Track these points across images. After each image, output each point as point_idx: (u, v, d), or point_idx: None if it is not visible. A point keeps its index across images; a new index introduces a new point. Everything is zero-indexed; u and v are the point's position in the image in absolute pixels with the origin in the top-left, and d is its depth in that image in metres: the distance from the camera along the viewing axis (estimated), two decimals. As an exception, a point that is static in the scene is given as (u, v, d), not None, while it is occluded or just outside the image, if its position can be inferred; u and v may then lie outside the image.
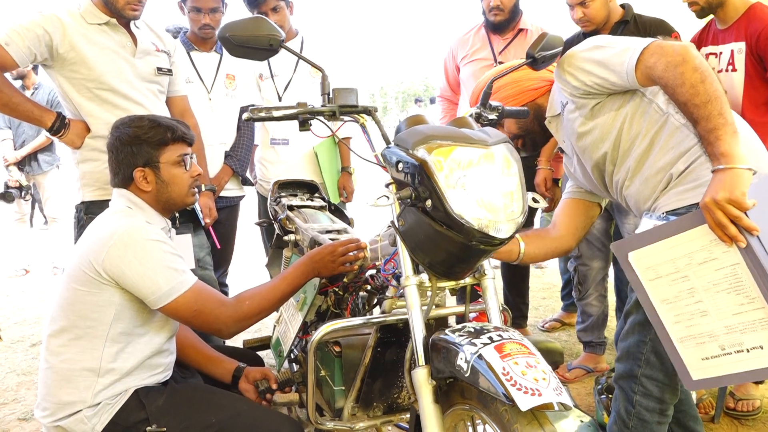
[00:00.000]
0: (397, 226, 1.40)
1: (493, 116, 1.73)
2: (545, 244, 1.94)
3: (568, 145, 1.84)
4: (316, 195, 2.72)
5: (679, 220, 1.43)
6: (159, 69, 2.22)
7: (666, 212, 1.56)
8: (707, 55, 2.60)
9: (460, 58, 3.09)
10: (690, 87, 1.39)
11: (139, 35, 2.19)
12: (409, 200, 1.31)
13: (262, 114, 1.44)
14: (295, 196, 2.69)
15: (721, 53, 2.51)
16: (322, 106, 1.49)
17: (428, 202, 1.26)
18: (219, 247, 2.54)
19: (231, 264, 3.08)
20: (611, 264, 2.96)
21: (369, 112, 1.52)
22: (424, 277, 1.38)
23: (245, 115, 1.45)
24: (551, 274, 4.84)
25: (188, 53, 2.73)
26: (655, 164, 1.59)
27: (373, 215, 5.22)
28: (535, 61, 1.67)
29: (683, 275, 1.42)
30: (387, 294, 1.58)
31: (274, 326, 2.25)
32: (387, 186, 1.45)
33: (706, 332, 1.41)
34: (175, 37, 3.34)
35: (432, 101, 17.51)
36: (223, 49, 2.80)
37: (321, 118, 1.50)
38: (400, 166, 1.31)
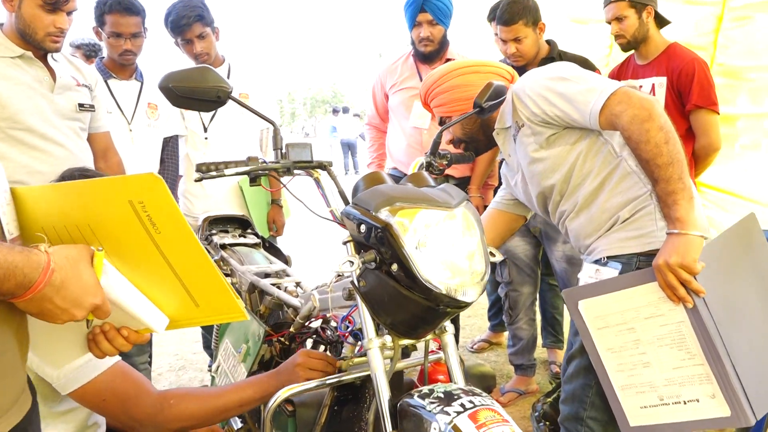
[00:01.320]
0: (357, 286, 1.37)
1: (443, 165, 1.73)
2: None
3: (515, 161, 1.84)
4: (249, 231, 2.62)
5: (631, 276, 1.49)
6: (80, 105, 2.05)
7: (607, 257, 1.62)
8: None
9: (389, 86, 3.10)
10: (654, 146, 1.43)
11: (58, 69, 2.02)
12: (373, 263, 1.28)
13: (213, 172, 1.37)
14: (227, 232, 2.58)
15: (641, 87, 2.67)
16: (276, 162, 1.43)
17: (394, 266, 1.24)
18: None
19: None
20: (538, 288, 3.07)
21: (324, 167, 1.48)
22: (388, 338, 1.36)
23: (195, 176, 1.36)
24: (473, 290, 4.93)
25: (106, 81, 2.55)
26: (603, 204, 1.63)
27: (309, 251, 5.12)
28: (482, 111, 1.68)
29: (630, 327, 1.49)
30: (344, 351, 1.54)
31: (212, 377, 2.15)
32: (345, 243, 1.42)
33: (647, 382, 1.49)
34: (89, 56, 3.13)
35: (345, 110, 17.45)
36: (144, 76, 2.66)
37: (274, 174, 1.44)
38: (363, 228, 1.28)
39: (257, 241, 2.53)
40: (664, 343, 1.45)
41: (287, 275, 2.17)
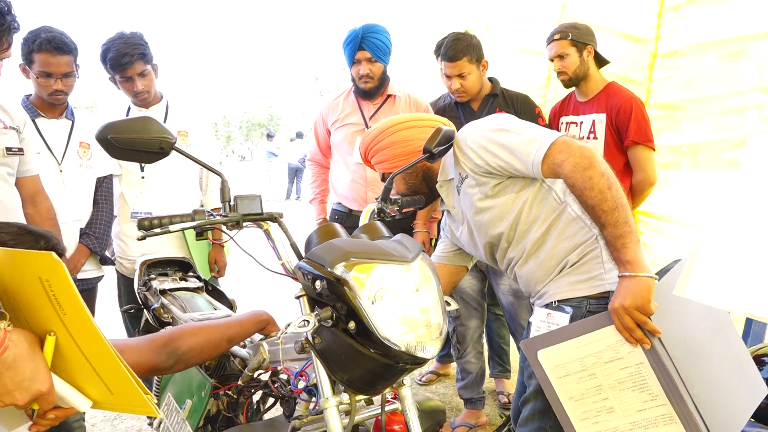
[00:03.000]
0: (312, 343, 1.32)
1: (395, 211, 1.72)
2: None
3: (459, 212, 1.85)
4: (190, 274, 2.52)
5: (588, 321, 1.50)
6: (8, 149, 1.92)
7: (558, 300, 1.64)
8: (568, 124, 2.85)
9: (331, 122, 3.08)
10: (598, 192, 1.47)
11: None
12: (329, 321, 1.24)
13: (157, 230, 1.29)
14: (166, 275, 2.47)
15: (582, 122, 2.77)
16: (224, 215, 1.38)
17: (351, 324, 1.21)
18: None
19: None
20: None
21: (274, 218, 1.44)
22: (344, 396, 1.32)
23: (138, 234, 1.28)
24: (418, 319, 4.92)
25: (33, 120, 2.40)
26: (551, 250, 1.66)
27: (253, 292, 4.95)
28: (432, 156, 1.68)
29: (591, 373, 1.48)
30: (298, 409, 1.48)
31: (154, 433, 2.03)
32: (297, 298, 1.37)
33: (612, 428, 1.48)
34: None
35: (299, 135, 17.17)
36: (75, 114, 2.54)
37: (223, 228, 1.38)
38: (318, 284, 1.24)
39: (200, 284, 2.43)
40: (626, 387, 1.46)
41: (232, 322, 2.09)
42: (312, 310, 1.33)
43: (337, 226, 1.39)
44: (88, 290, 2.60)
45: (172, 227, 1.31)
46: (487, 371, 3.30)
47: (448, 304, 1.47)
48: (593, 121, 2.71)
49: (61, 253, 1.51)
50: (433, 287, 1.29)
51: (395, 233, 3.11)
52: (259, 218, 1.41)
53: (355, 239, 1.33)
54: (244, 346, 1.86)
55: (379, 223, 1.44)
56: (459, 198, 1.80)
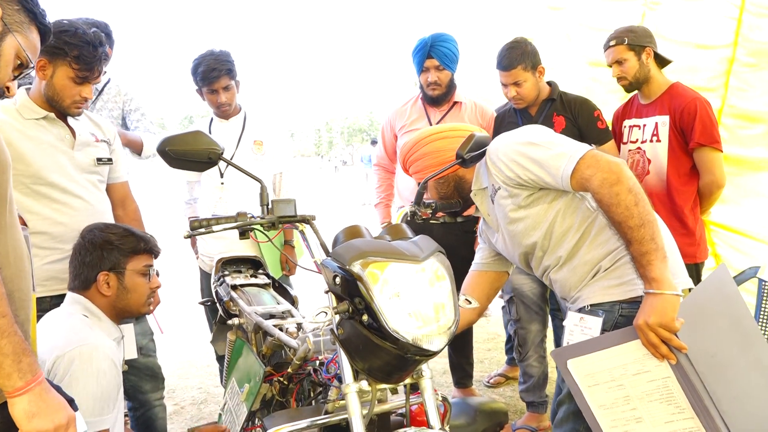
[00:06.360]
0: (336, 334, 1.45)
1: (427, 214, 1.82)
2: (463, 316, 1.95)
3: (494, 220, 1.90)
4: (260, 271, 2.74)
5: (615, 334, 1.52)
6: (99, 159, 2.22)
7: (591, 305, 1.67)
8: (631, 127, 2.80)
9: (399, 127, 3.21)
10: (625, 209, 1.49)
11: (78, 127, 2.19)
12: (346, 313, 1.37)
13: (202, 229, 1.48)
14: (240, 272, 2.70)
15: (645, 125, 2.72)
16: (262, 217, 1.54)
17: (365, 317, 1.33)
18: (162, 332, 2.52)
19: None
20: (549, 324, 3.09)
21: (307, 221, 1.58)
22: (364, 384, 1.44)
23: (184, 233, 1.48)
24: (496, 322, 4.94)
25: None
26: (584, 257, 1.69)
27: (318, 290, 5.24)
28: (464, 162, 1.76)
29: (619, 384, 1.51)
30: (329, 394, 1.62)
31: (220, 414, 2.24)
32: (326, 293, 1.51)
33: None
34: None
35: None
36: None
37: (260, 228, 1.55)
38: (338, 280, 1.37)
39: (267, 281, 2.64)
40: (654, 398, 1.47)
41: (291, 316, 2.27)
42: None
43: (362, 227, 1.51)
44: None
45: (215, 228, 1.49)
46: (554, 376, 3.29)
47: (469, 302, 1.56)
48: (656, 123, 2.65)
49: (157, 254, 1.76)
50: (445, 284, 1.38)
51: (457, 236, 3.17)
52: (293, 220, 1.56)
53: (375, 240, 1.44)
54: (296, 337, 2.03)
55: (403, 225, 1.54)
56: (493, 207, 1.86)
